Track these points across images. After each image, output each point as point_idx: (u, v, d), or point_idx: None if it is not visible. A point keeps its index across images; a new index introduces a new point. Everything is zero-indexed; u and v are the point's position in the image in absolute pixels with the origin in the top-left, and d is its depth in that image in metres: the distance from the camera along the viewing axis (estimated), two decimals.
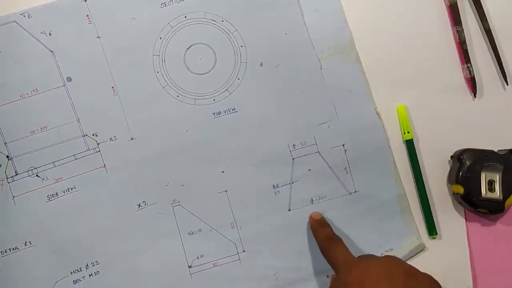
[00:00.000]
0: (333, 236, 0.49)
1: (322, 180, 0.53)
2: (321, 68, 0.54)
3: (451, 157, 0.54)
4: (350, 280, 0.43)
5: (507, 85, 0.55)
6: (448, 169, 0.54)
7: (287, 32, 0.54)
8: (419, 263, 0.52)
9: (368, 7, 0.55)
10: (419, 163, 0.53)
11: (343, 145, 0.53)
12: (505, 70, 0.55)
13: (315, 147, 0.53)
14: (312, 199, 0.53)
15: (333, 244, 0.48)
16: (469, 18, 0.55)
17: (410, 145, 0.53)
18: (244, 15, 0.54)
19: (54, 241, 0.52)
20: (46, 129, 0.52)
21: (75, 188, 0.52)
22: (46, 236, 0.52)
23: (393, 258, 0.44)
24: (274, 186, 0.53)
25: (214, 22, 0.54)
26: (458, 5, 0.55)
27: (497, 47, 0.55)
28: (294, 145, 0.53)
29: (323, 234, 0.49)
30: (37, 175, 0.52)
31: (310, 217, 0.52)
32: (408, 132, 0.53)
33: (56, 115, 0.53)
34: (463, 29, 0.54)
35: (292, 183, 0.53)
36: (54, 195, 0.52)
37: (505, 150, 0.53)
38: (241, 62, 0.54)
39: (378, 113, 0.54)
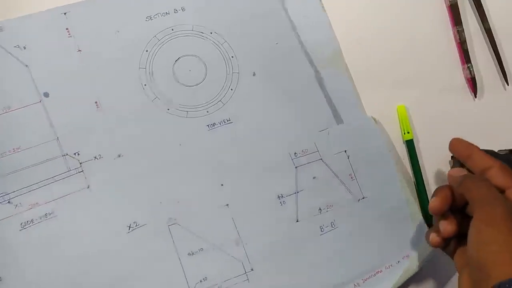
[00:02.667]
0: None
1: (328, 187, 0.50)
2: (314, 76, 0.53)
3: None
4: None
5: (508, 85, 0.56)
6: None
7: (278, 42, 0.53)
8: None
9: (368, 7, 0.55)
10: (420, 164, 0.52)
11: (345, 151, 0.51)
12: (506, 70, 0.55)
13: (317, 154, 0.51)
14: (320, 208, 0.49)
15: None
16: (469, 18, 0.56)
17: (410, 145, 0.52)
18: (232, 27, 0.53)
19: (27, 275, 0.44)
20: (19, 150, 0.47)
21: (53, 213, 0.46)
22: (17, 270, 0.44)
23: None
24: (279, 197, 0.49)
25: (202, 34, 0.52)
26: (458, 5, 0.56)
27: (498, 47, 0.55)
28: (295, 153, 0.50)
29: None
30: (9, 202, 0.46)
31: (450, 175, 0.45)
32: (408, 132, 0.53)
33: (31, 134, 0.47)
34: (463, 29, 0.55)
35: (298, 192, 0.50)
36: (28, 222, 0.45)
37: (505, 150, 0.53)
38: (233, 72, 0.52)
39: (374, 119, 0.53)
